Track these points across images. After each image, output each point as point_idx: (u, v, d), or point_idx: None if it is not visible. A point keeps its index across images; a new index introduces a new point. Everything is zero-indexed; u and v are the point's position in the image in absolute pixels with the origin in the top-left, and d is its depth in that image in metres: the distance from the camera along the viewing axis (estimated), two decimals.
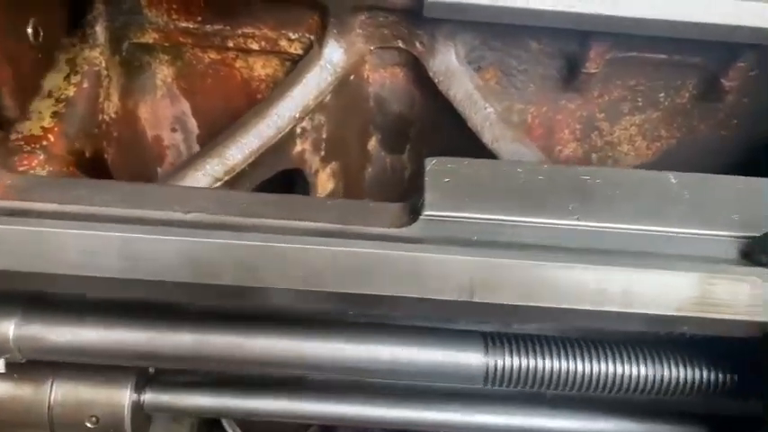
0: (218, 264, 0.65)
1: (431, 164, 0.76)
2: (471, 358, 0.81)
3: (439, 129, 1.16)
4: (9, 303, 0.80)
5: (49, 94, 0.99)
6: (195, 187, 0.92)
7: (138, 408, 0.91)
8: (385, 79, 1.17)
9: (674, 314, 0.67)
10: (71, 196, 0.71)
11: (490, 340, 0.81)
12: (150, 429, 1.39)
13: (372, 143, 1.29)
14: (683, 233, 0.73)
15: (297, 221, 0.71)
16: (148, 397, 0.92)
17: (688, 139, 1.26)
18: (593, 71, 1.09)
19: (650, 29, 1.02)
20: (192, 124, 1.27)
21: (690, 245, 0.73)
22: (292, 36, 1.09)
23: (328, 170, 1.24)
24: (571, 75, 1.13)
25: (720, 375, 0.79)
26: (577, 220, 0.73)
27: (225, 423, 1.54)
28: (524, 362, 0.80)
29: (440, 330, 0.83)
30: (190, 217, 0.70)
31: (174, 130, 1.29)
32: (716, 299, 0.67)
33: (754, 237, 0.72)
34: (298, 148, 1.11)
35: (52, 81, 1.00)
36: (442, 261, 0.67)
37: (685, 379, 0.80)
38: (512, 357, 0.80)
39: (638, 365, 0.80)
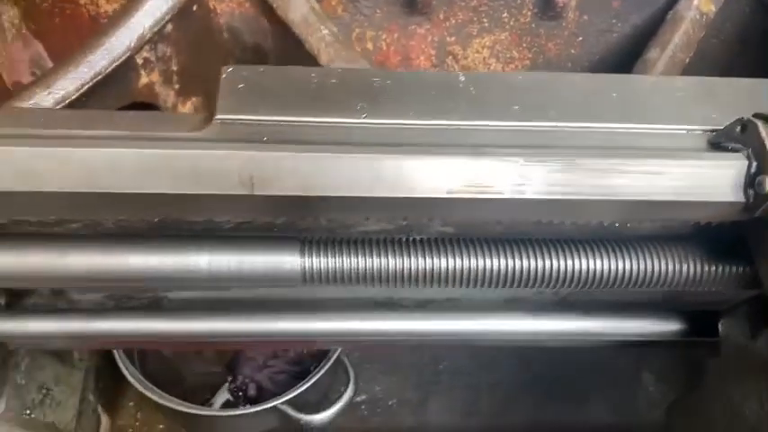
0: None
1: (226, 72, 0.78)
2: (288, 261, 0.85)
3: (287, 57, 1.18)
4: None
5: None
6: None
7: None
8: (233, 9, 1.18)
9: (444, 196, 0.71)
10: None
11: (307, 244, 0.85)
12: (41, 374, 1.42)
13: None
14: (463, 126, 0.77)
15: (90, 130, 0.73)
16: None
17: (540, 60, 1.31)
18: None
19: None
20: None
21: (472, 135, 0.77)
22: None
23: (189, 105, 1.26)
24: None
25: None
26: (365, 117, 0.77)
27: (120, 362, 1.57)
28: (338, 261, 0.85)
29: (261, 238, 0.87)
30: None
31: (33, 73, 1.28)
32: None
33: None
34: (144, 80, 1.12)
35: None
36: (223, 157, 0.70)
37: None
38: (327, 258, 0.85)
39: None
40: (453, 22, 1.23)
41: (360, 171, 0.70)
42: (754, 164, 0.71)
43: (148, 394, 1.53)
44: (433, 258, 0.84)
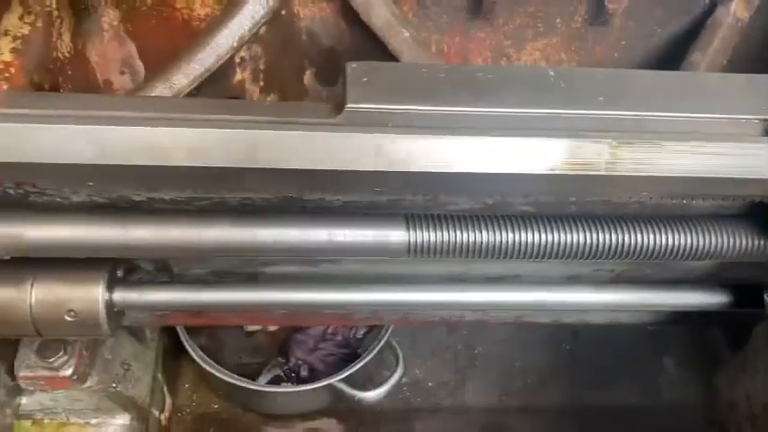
0: (172, 148, 0.78)
1: (351, 67, 0.90)
2: (395, 235, 0.97)
3: (365, 57, 1.29)
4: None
5: (6, 33, 1.09)
6: (156, 96, 1.04)
7: (110, 304, 1.04)
8: (314, 14, 1.30)
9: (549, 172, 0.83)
10: (43, 103, 0.82)
11: (411, 219, 0.97)
12: (123, 351, 1.52)
13: (307, 76, 1.42)
14: (558, 113, 0.89)
15: (236, 116, 0.84)
16: (118, 295, 1.05)
17: (586, 62, 1.44)
18: None
19: None
20: (139, 66, 1.38)
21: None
22: None
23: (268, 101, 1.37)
24: (478, 3, 1.28)
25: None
26: (472, 106, 0.88)
27: (186, 345, 1.68)
28: (438, 235, 0.96)
29: (370, 214, 0.99)
30: (146, 115, 0.82)
31: (122, 72, 1.39)
32: None
33: None
34: (238, 77, 1.24)
35: (8, 21, 1.10)
36: (363, 139, 0.81)
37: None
38: (429, 232, 0.96)
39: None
40: (511, 26, 1.35)
41: (475, 151, 0.82)
42: None
43: (212, 371, 1.63)
44: (521, 233, 0.97)
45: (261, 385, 1.66)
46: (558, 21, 1.35)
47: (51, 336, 1.06)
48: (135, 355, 1.53)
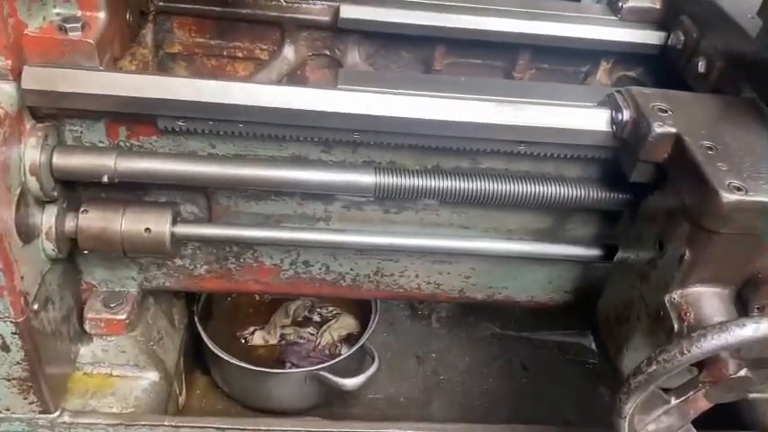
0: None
1: (342, 71, 1.49)
2: (367, 178, 1.49)
3: None
4: (109, 150, 1.44)
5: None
6: None
7: (172, 230, 1.53)
8: (317, 77, 1.92)
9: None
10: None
11: (379, 169, 1.50)
12: (159, 323, 1.91)
13: None
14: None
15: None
16: (178, 227, 1.54)
17: None
18: (438, 68, 1.87)
19: (475, 35, 1.81)
20: None
21: None
22: (263, 47, 1.84)
23: None
24: (427, 73, 1.91)
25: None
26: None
27: (203, 335, 2.08)
28: (398, 181, 1.49)
29: (346, 163, 1.52)
30: None
31: None
32: None
33: None
34: None
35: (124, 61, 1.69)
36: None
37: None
38: (391, 178, 1.49)
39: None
40: None
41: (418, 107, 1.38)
42: (615, 112, 1.41)
43: (226, 358, 2.04)
44: (447, 181, 1.49)
45: (264, 368, 2.04)
46: None
47: (131, 253, 1.53)
48: (167, 331, 1.95)
